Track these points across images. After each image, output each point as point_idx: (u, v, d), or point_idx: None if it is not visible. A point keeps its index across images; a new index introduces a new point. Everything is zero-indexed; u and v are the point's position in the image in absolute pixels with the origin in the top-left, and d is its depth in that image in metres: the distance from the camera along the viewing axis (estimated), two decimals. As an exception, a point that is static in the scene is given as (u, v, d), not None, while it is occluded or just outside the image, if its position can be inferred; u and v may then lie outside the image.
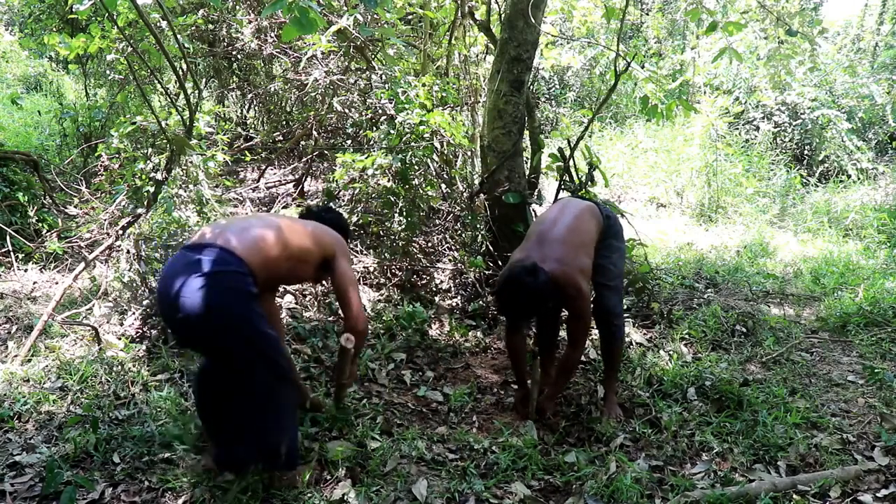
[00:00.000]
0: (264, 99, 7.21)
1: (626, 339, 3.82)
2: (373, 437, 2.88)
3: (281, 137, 6.93)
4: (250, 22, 5.89)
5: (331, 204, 3.00)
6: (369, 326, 4.12)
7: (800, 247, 7.09)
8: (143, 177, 3.96)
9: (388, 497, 2.48)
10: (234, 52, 6.42)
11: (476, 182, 4.94)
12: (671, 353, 3.95)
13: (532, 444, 2.90)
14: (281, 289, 4.30)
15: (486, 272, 4.54)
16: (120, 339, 3.54)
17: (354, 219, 4.53)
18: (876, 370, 3.71)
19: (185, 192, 4.12)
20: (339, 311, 4.17)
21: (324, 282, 4.37)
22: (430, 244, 4.87)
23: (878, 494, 2.58)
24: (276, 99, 7.22)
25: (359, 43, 5.26)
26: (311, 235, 2.57)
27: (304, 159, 6.09)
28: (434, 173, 4.64)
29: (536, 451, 2.86)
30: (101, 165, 4.37)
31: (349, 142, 5.33)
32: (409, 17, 6.12)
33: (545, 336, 3.56)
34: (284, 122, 7.21)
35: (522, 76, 4.58)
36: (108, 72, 6.37)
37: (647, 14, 13.11)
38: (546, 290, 2.86)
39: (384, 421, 3.05)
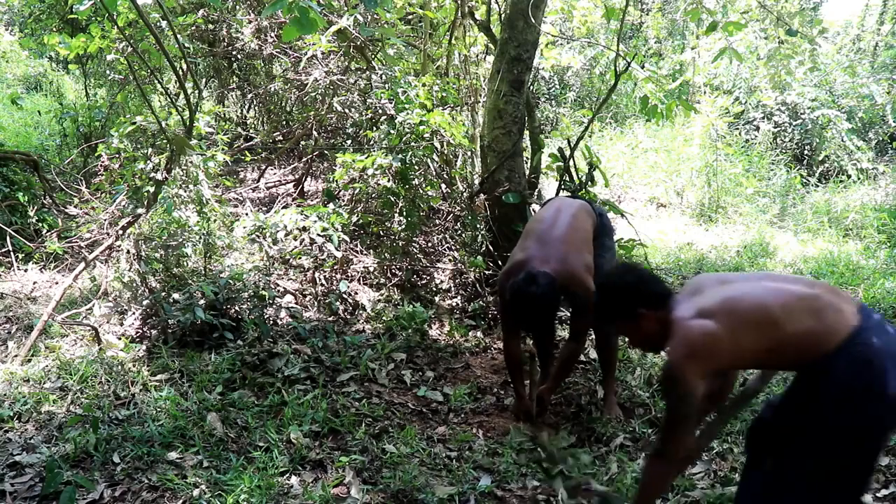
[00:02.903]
0: (264, 99, 7.20)
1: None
2: (373, 437, 2.88)
3: (281, 137, 6.92)
4: (250, 22, 5.89)
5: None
6: (371, 327, 4.11)
7: (800, 247, 7.08)
8: (143, 177, 3.96)
9: (388, 497, 2.48)
10: (234, 52, 6.42)
11: (476, 182, 4.94)
12: (671, 353, 3.94)
13: (532, 444, 2.89)
14: (281, 289, 4.30)
15: (486, 272, 4.54)
16: (120, 339, 3.55)
17: (354, 219, 4.53)
18: (876, 370, 3.70)
19: (185, 192, 4.12)
20: (340, 311, 4.18)
21: (322, 281, 4.39)
22: (430, 244, 4.87)
23: (878, 494, 2.58)
24: (276, 99, 7.21)
25: (359, 43, 5.26)
26: None
27: (304, 159, 6.09)
28: (434, 173, 4.64)
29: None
30: (101, 165, 4.37)
31: (349, 142, 5.33)
32: (409, 17, 6.12)
33: (544, 342, 3.50)
34: (284, 122, 7.20)
35: (522, 76, 4.58)
36: (108, 72, 6.38)
37: (647, 14, 13.09)
38: (553, 293, 2.82)
39: (384, 421, 3.04)
